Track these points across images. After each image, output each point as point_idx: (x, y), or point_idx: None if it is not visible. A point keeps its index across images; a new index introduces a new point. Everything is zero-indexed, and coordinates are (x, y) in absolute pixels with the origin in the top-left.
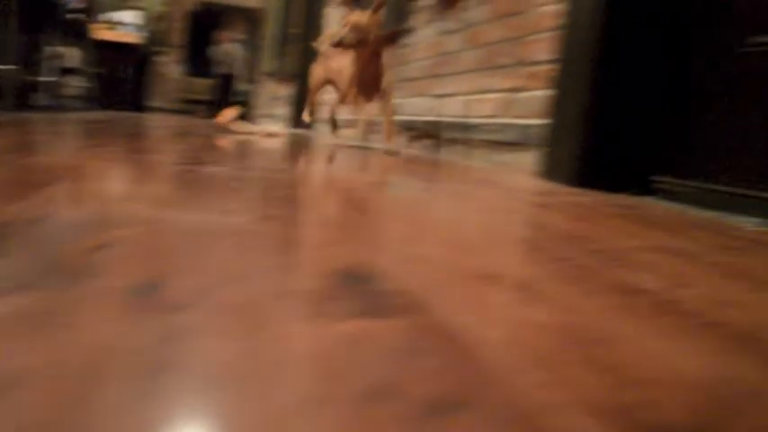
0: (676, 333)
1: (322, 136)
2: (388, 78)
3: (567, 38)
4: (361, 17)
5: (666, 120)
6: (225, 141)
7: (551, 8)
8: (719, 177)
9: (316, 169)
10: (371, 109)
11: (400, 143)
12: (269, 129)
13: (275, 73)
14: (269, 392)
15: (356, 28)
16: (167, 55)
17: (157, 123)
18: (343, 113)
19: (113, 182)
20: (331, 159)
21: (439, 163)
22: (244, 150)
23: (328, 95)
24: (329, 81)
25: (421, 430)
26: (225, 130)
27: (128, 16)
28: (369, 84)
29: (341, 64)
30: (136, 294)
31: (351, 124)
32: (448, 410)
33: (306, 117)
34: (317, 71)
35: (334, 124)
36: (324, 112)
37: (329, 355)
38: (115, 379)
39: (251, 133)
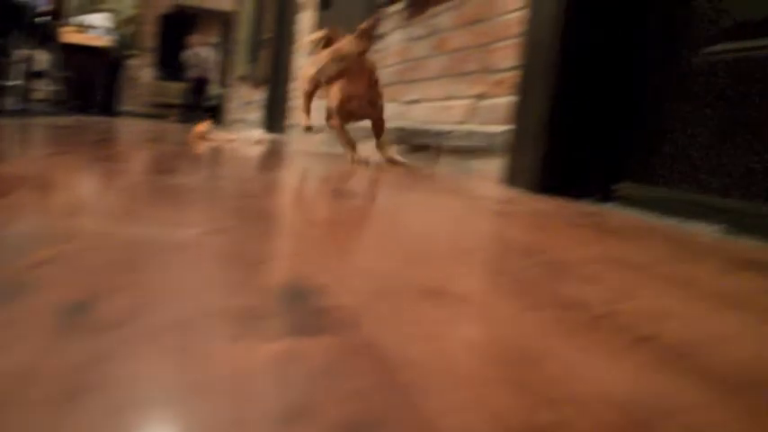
0: (607, 349)
1: (299, 142)
2: (381, 96)
3: (527, 45)
4: (343, 44)
5: (627, 128)
6: (197, 149)
7: (516, 15)
8: (679, 185)
9: (282, 179)
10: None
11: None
12: (250, 136)
13: (248, 77)
14: (183, 416)
15: (338, 57)
16: (139, 58)
17: (127, 128)
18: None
19: (71, 192)
20: (301, 168)
21: (405, 170)
22: (215, 159)
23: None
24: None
25: None
26: (201, 139)
27: (97, 19)
28: (360, 111)
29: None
30: (68, 313)
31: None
32: None
33: (304, 122)
34: (309, 71)
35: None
36: (298, 117)
37: (250, 377)
38: (34, 404)
39: (229, 141)
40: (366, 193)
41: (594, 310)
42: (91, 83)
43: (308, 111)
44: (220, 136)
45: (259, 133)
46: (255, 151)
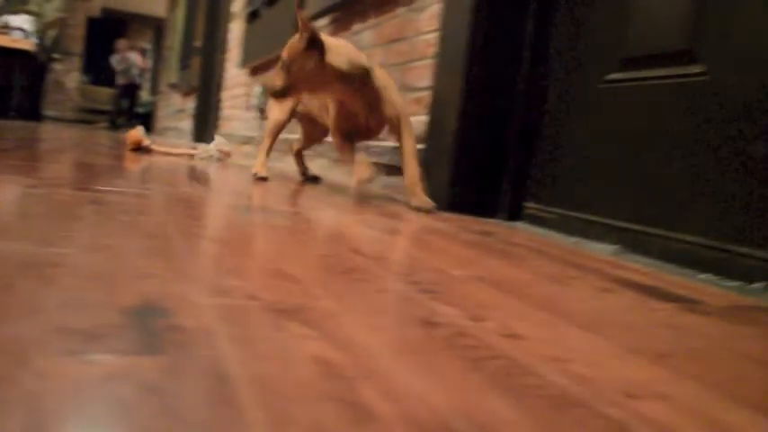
0: (440, 370)
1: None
2: (393, 106)
3: (439, 67)
4: (285, 49)
5: (533, 148)
6: (128, 160)
7: (432, 36)
8: (580, 205)
9: (195, 195)
10: (361, 159)
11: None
12: (207, 149)
13: (179, 85)
14: None
15: (283, 62)
16: (65, 62)
17: (50, 135)
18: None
19: None
20: (226, 185)
21: (326, 186)
22: (141, 172)
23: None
24: (302, 115)
25: None
26: (137, 150)
27: (19, 21)
28: (356, 124)
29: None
30: None
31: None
32: None
33: (259, 170)
34: (274, 113)
35: (301, 165)
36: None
37: (75, 391)
38: None
39: (175, 155)
40: (275, 210)
41: (447, 329)
42: (10, 86)
43: (266, 155)
44: (165, 148)
45: (219, 145)
46: (208, 167)
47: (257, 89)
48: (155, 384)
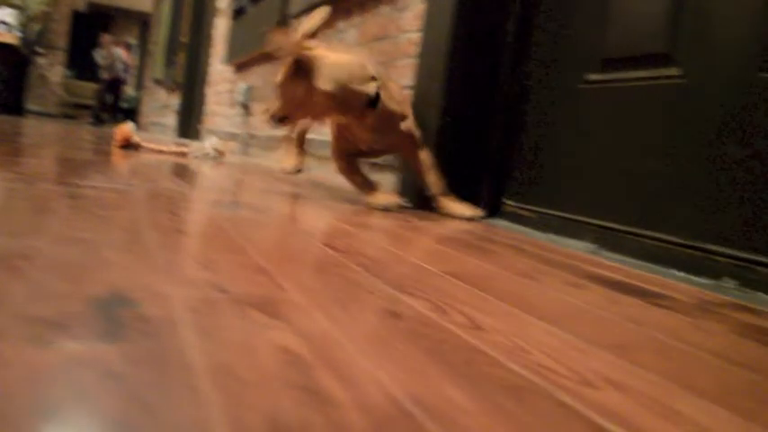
0: (401, 359)
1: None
2: (408, 127)
3: (420, 66)
4: (281, 70)
5: (513, 147)
6: (116, 157)
7: (416, 35)
8: (558, 203)
9: (177, 191)
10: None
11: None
12: (202, 147)
13: (164, 80)
14: None
15: (279, 91)
16: (49, 57)
17: (31, 129)
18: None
19: None
20: (213, 182)
21: (304, 181)
22: (128, 168)
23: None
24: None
25: None
26: (126, 146)
27: (2, 14)
28: (359, 147)
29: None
30: None
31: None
32: None
33: (287, 165)
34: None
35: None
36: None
37: (33, 375)
38: None
39: (167, 153)
40: (248, 204)
41: (412, 321)
42: None
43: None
44: (155, 145)
45: (215, 143)
46: (203, 166)
47: (242, 86)
48: (116, 371)
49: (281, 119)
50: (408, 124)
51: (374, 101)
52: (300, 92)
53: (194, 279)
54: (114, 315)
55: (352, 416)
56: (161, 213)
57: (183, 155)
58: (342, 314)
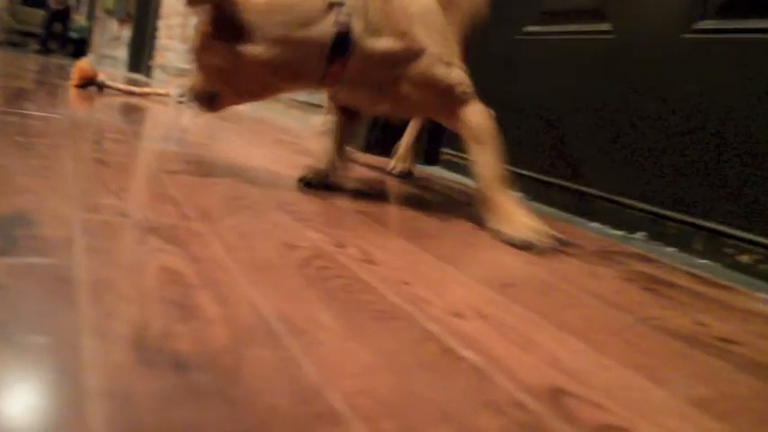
0: (282, 285)
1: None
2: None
3: None
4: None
5: None
6: (74, 96)
7: None
8: None
9: (114, 124)
10: None
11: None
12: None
13: (116, 11)
14: None
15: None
16: None
17: None
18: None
19: None
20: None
21: (253, 121)
22: (64, 98)
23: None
24: None
25: None
26: (85, 84)
27: None
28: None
29: None
30: None
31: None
32: None
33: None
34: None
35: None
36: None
37: None
38: None
39: (139, 95)
40: (189, 141)
41: (307, 252)
42: None
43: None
44: (124, 85)
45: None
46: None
47: (195, 20)
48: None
49: (209, 98)
50: (425, 65)
51: (342, 42)
52: (225, 57)
53: (101, 205)
54: (10, 233)
55: (216, 328)
56: (84, 143)
57: (162, 96)
58: (239, 243)
